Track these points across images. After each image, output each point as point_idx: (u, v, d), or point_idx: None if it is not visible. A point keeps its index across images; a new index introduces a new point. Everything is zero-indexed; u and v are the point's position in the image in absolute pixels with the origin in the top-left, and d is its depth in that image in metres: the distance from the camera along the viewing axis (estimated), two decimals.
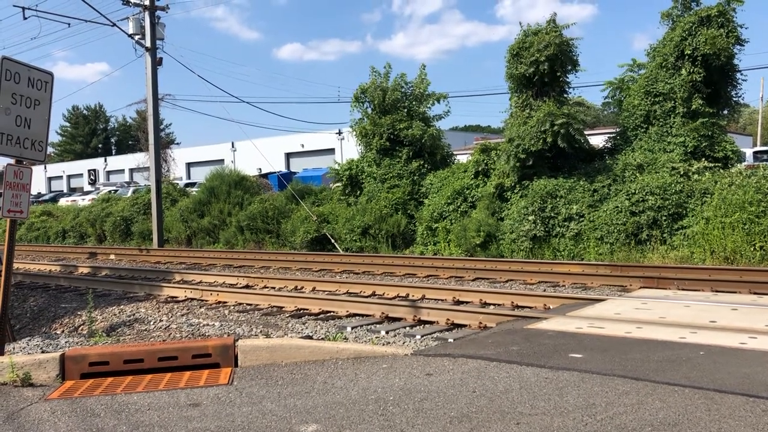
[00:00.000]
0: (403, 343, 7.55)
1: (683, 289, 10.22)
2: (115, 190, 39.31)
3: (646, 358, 5.53)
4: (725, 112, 17.33)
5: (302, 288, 12.10)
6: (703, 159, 15.90)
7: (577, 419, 4.14)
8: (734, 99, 17.13)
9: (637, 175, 15.87)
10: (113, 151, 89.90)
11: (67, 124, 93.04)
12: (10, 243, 7.04)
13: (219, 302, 10.77)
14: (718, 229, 13.50)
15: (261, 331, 8.49)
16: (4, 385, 5.50)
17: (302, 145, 53.13)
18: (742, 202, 13.53)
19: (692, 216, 14.39)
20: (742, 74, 16.89)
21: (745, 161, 18.99)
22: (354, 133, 22.50)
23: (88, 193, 46.04)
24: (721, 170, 15.63)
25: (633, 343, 6.14)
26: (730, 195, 13.94)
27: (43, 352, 7.42)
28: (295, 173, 37.02)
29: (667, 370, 5.11)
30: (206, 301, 10.97)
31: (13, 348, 7.70)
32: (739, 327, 6.76)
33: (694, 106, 16.14)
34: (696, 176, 15.35)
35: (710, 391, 4.56)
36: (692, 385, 4.70)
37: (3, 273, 7.08)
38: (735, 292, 9.85)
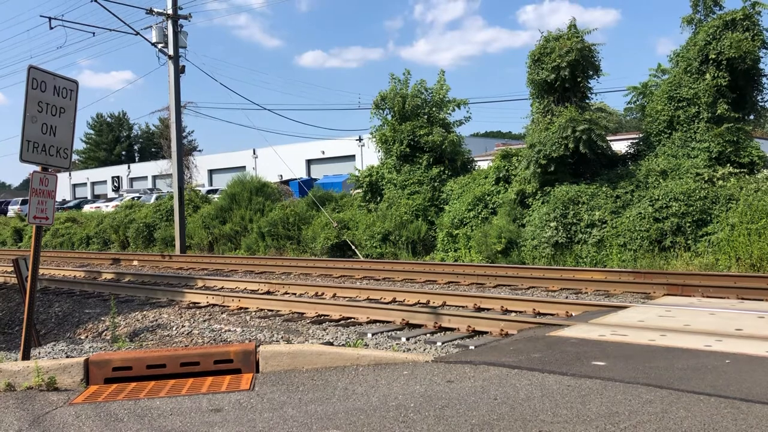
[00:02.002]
0: (424, 349, 7.53)
1: (708, 297, 10.08)
2: (138, 197, 39.76)
3: (670, 366, 5.45)
4: (751, 117, 17.12)
5: (323, 294, 12.13)
6: (728, 165, 15.69)
7: (599, 427, 4.09)
8: (760, 104, 16.92)
9: (661, 181, 15.70)
10: (136, 158, 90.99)
11: (92, 132, 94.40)
12: (36, 249, 7.15)
13: (240, 308, 10.83)
14: (744, 236, 13.29)
15: (282, 337, 8.52)
16: (30, 389, 5.58)
17: (323, 152, 53.35)
18: None
19: (717, 222, 14.19)
20: None
21: None
22: (374, 139, 22.56)
23: (111, 199, 46.66)
24: (747, 176, 15.41)
25: (657, 351, 6.06)
26: (756, 201, 13.73)
27: (67, 356, 7.51)
28: (315, 180, 37.19)
29: (691, 379, 5.03)
30: (228, 306, 11.03)
31: (39, 353, 7.81)
32: (766, 335, 6.64)
33: (718, 111, 15.95)
34: (721, 182, 15.16)
35: (736, 400, 4.49)
36: (718, 394, 4.63)
37: (29, 278, 7.19)
38: (762, 300, 9.69)
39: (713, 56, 15.86)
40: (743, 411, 4.27)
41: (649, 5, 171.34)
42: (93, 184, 77.16)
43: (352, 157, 49.74)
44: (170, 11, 23.64)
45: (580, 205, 15.87)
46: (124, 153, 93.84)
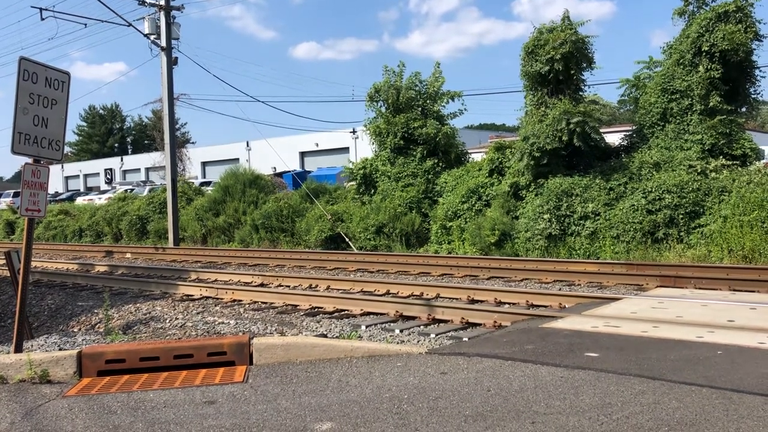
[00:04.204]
0: (418, 341, 7.54)
1: (700, 288, 10.12)
2: (131, 189, 39.60)
3: (662, 357, 5.48)
4: (743, 109, 17.16)
5: (317, 286, 12.12)
6: (721, 157, 15.74)
7: (592, 418, 4.11)
8: (753, 96, 16.96)
9: (654, 173, 15.74)
10: (129, 151, 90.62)
11: (84, 124, 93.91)
12: (28, 241, 7.11)
13: (234, 300, 10.82)
14: (736, 228, 13.36)
15: (276, 330, 8.52)
16: (23, 382, 5.56)
17: (317, 144, 53.24)
18: (761, 200, 13.38)
19: (710, 214, 14.24)
20: (760, 71, 16.73)
21: (764, 159, 18.81)
22: (368, 131, 22.52)
23: (104, 192, 46.44)
24: (739, 168, 15.47)
25: (649, 342, 6.09)
26: (748, 193, 13.79)
27: (60, 349, 7.49)
28: (309, 172, 37.12)
29: (684, 370, 5.06)
30: (221, 299, 11.02)
31: (31, 345, 7.79)
32: (757, 326, 6.68)
33: (711, 104, 15.98)
34: (713, 174, 15.20)
35: (728, 390, 4.51)
36: (709, 384, 4.66)
37: (21, 271, 7.16)
38: (753, 291, 9.75)
39: (706, 48, 15.86)
40: (734, 401, 4.30)
41: None
42: (86, 176, 76.82)
43: (346, 150, 49.69)
44: (162, 2, 23.49)
45: (573, 198, 15.89)
46: (116, 145, 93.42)
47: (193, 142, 70.92)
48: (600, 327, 6.84)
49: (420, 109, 21.74)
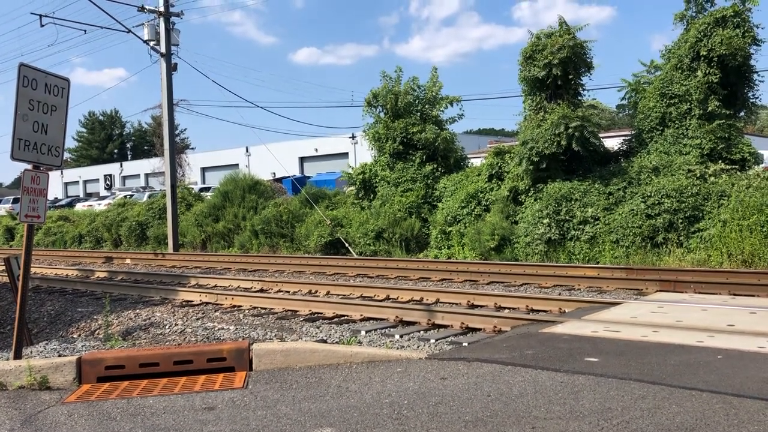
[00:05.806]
0: (418, 347, 7.53)
1: (700, 293, 10.12)
2: (131, 195, 39.60)
3: (662, 361, 5.48)
4: (742, 113, 17.21)
5: (316, 292, 12.11)
6: (720, 161, 15.76)
7: (592, 423, 4.11)
8: (751, 100, 17.00)
9: (653, 177, 15.76)
10: (129, 156, 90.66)
11: (84, 130, 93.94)
12: (28, 247, 7.11)
13: (234, 306, 10.81)
14: (736, 232, 13.36)
15: (275, 335, 8.51)
16: (22, 389, 5.55)
17: (316, 150, 53.26)
18: (760, 204, 13.39)
19: (709, 219, 14.25)
20: (759, 75, 16.77)
21: (763, 163, 18.84)
22: (367, 137, 22.54)
23: (104, 198, 46.43)
24: (738, 172, 15.49)
25: (649, 346, 6.08)
26: (747, 197, 13.80)
27: (60, 355, 7.48)
28: (309, 177, 37.15)
29: (684, 374, 5.05)
30: (221, 305, 11.01)
31: (31, 352, 7.78)
32: (757, 331, 6.68)
33: (710, 108, 16.01)
34: (712, 178, 15.22)
35: (728, 395, 4.51)
36: (710, 389, 4.65)
37: (20, 277, 7.15)
38: (753, 296, 9.74)
39: (704, 53, 15.91)
40: (735, 406, 4.29)
41: (644, 1, 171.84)
42: (85, 182, 76.78)
43: (345, 155, 49.68)
44: (162, 9, 23.57)
45: (572, 202, 15.90)
46: (116, 151, 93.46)
47: (192, 148, 71.09)
48: (600, 332, 6.84)
49: (419, 114, 21.77)
